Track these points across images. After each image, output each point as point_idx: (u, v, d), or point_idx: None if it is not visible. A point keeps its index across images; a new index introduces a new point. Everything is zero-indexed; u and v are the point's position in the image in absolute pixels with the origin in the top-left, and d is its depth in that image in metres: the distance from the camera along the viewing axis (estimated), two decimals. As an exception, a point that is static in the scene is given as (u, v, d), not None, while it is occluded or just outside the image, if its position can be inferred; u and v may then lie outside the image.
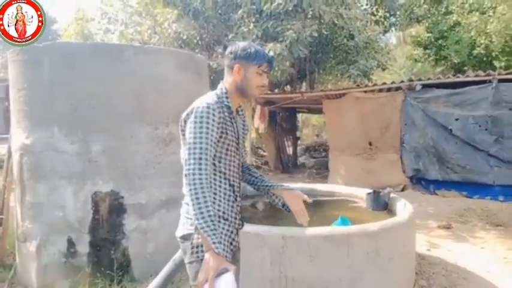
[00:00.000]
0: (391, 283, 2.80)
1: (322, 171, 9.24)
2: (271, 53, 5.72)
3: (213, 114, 1.54)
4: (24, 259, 3.46)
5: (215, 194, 1.59)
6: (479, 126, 6.75)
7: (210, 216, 1.42)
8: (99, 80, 3.17)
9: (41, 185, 3.23)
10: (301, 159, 11.47)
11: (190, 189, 1.44)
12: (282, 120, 10.72)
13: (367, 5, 9.61)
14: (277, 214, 3.38)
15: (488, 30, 10.02)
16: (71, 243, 3.21)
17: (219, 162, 1.60)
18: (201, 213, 1.41)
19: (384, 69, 10.92)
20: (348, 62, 9.40)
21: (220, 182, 1.62)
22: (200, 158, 1.47)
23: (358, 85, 7.99)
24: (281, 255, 2.58)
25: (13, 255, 3.87)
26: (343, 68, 9.59)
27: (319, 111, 10.68)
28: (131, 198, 3.29)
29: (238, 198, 1.71)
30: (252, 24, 6.27)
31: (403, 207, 3.25)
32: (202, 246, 1.50)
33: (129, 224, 3.30)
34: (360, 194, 4.01)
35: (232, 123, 1.64)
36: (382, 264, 2.70)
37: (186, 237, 1.61)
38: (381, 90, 7.77)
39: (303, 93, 8.26)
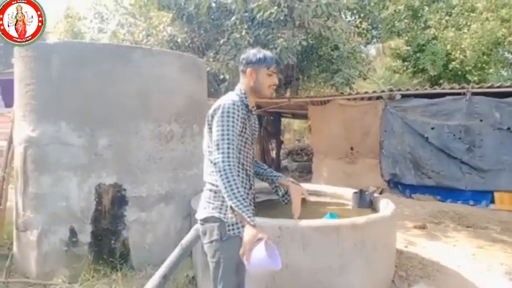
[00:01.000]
0: (374, 271, 3.08)
1: (304, 175, 9.56)
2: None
3: (238, 110, 1.79)
4: (23, 248, 3.56)
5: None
6: (453, 135, 7.21)
7: (241, 195, 1.66)
8: (108, 78, 3.35)
9: (45, 176, 3.35)
10: (283, 163, 11.78)
11: (221, 175, 1.68)
12: (267, 124, 11.01)
13: (351, 17, 10.08)
14: (272, 209, 3.62)
15: (463, 46, 10.66)
16: (73, 233, 3.35)
17: (239, 153, 1.85)
18: (234, 193, 1.66)
19: (364, 79, 11.39)
20: (330, 70, 9.79)
21: (239, 171, 1.85)
22: (228, 148, 1.71)
23: (342, 93, 8.38)
24: (277, 244, 2.80)
25: (8, 245, 3.96)
26: (326, 76, 9.98)
27: (302, 116, 11.04)
28: (133, 191, 3.47)
29: (252, 187, 1.96)
30: (244, 31, 6.53)
31: (386, 205, 3.55)
32: (237, 223, 1.76)
33: (130, 216, 3.47)
34: (345, 194, 4.31)
35: (250, 120, 1.90)
36: (367, 254, 2.98)
37: (207, 220, 1.84)
38: (362, 99, 8.18)
39: (290, 98, 8.58)
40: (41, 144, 3.36)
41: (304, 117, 11.97)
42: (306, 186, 4.91)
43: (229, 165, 1.69)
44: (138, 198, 3.49)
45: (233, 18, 6.80)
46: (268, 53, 1.94)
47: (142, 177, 3.51)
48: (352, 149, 8.04)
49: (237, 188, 1.67)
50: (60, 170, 3.31)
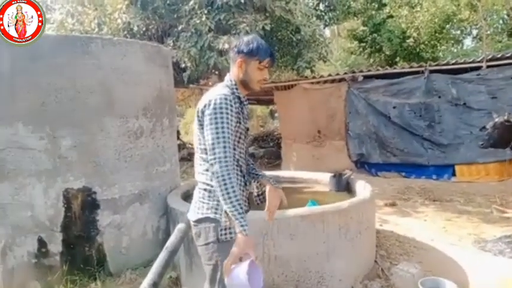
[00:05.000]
0: (359, 254, 3.12)
1: (272, 161, 9.56)
2: (226, 46, 5.81)
3: (231, 105, 1.64)
4: (-14, 265, 3.26)
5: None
6: (414, 113, 7.46)
7: (237, 200, 1.54)
8: (67, 72, 3.07)
9: (3, 185, 3.05)
10: (250, 150, 11.72)
11: (218, 177, 1.55)
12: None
13: (309, -1, 10.06)
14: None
15: (416, 24, 11.01)
16: (41, 243, 3.10)
17: (234, 150, 1.71)
18: (229, 198, 1.53)
19: (324, 62, 11.47)
20: (291, 54, 9.75)
21: (234, 168, 1.73)
22: (224, 147, 1.57)
23: (306, 77, 8.38)
24: (264, 236, 2.75)
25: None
26: (287, 60, 9.93)
27: (266, 102, 10.96)
28: (104, 193, 3.26)
29: (247, 183, 1.84)
30: (204, 16, 6.29)
31: (364, 187, 3.59)
32: (230, 228, 1.65)
33: (103, 220, 3.26)
34: (320, 178, 4.32)
35: (243, 113, 1.76)
36: (351, 238, 2.99)
37: (201, 221, 1.71)
38: (326, 82, 8.24)
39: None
40: (-5, 150, 3.04)
41: (268, 102, 11.92)
42: (281, 173, 4.90)
43: (226, 166, 1.56)
44: (110, 200, 3.29)
45: (191, 2, 6.52)
46: (263, 44, 1.75)
47: (112, 178, 3.30)
48: (319, 132, 8.12)
49: (234, 192, 1.55)
50: (20, 177, 3.02)
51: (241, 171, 1.78)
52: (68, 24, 7.39)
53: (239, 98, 1.76)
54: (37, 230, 3.08)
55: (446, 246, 3.90)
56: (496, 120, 5.34)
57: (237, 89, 1.76)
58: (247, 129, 1.84)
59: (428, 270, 3.18)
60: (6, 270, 3.11)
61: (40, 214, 3.07)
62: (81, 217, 3.17)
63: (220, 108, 1.61)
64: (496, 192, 6.03)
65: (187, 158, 10.35)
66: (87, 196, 3.18)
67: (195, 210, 1.76)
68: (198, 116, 1.71)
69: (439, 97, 7.27)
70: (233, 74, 1.79)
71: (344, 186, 3.98)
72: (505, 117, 5.29)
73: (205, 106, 1.66)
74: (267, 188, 1.89)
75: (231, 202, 1.54)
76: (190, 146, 13.54)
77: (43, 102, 3.01)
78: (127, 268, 3.30)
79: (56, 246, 3.11)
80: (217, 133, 1.59)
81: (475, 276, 3.18)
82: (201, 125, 1.68)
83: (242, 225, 1.53)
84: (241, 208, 1.55)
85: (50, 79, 3.04)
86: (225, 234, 1.68)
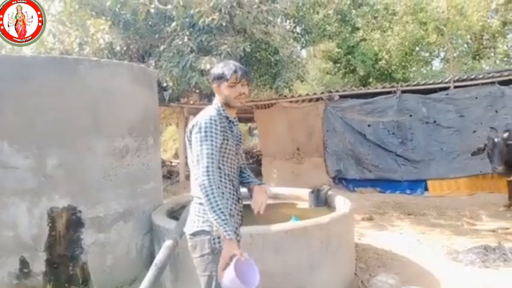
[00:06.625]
0: (340, 266, 3.25)
1: (252, 178, 9.66)
2: (208, 66, 5.96)
3: (216, 125, 1.81)
4: (-36, 287, 3.19)
5: (223, 193, 1.80)
6: (388, 130, 7.80)
7: (220, 209, 1.68)
8: (54, 93, 3.12)
9: (-15, 204, 3.04)
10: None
11: (202, 190, 1.70)
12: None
13: (286, 22, 10.40)
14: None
15: (388, 47, 11.57)
16: (24, 263, 3.07)
17: (223, 165, 1.86)
18: (212, 207, 1.68)
19: (302, 81, 11.83)
20: (270, 74, 10.04)
21: (226, 183, 1.86)
22: (208, 163, 1.73)
23: (285, 96, 8.63)
24: (249, 251, 2.83)
25: None
26: (265, 79, 10.21)
27: (245, 120, 11.12)
28: (89, 212, 3.27)
29: (240, 198, 1.96)
30: (186, 37, 6.43)
31: (343, 202, 3.74)
32: (219, 237, 1.77)
33: (88, 239, 3.26)
34: (301, 194, 4.46)
35: (232, 131, 1.91)
36: (333, 251, 3.12)
37: (196, 234, 1.83)
38: (304, 101, 8.51)
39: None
40: (-21, 169, 3.03)
41: (247, 120, 12.10)
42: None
43: (208, 179, 1.70)
44: (95, 219, 3.30)
45: (173, 24, 6.66)
46: (228, 64, 1.92)
47: (98, 196, 3.32)
48: (298, 149, 8.33)
49: (216, 202, 1.68)
50: (4, 196, 3.01)
51: (233, 185, 1.91)
52: (47, 43, 7.37)
53: (227, 117, 1.91)
54: (20, 250, 3.05)
55: (421, 258, 4.08)
56: (496, 140, 5.19)
57: (223, 110, 1.93)
58: (239, 146, 1.98)
59: (406, 280, 3.33)
60: (-14, 292, 3.06)
61: (23, 234, 3.05)
62: (65, 236, 3.16)
63: (205, 127, 1.78)
64: (466, 205, 6.35)
65: (167, 175, 10.32)
66: (72, 215, 3.19)
67: (191, 223, 1.88)
68: (187, 136, 1.88)
69: (411, 116, 7.64)
70: (217, 98, 1.99)
71: (323, 202, 4.13)
72: (505, 136, 5.12)
73: (193, 126, 1.85)
74: (254, 188, 2.00)
75: (214, 211, 1.67)
76: (169, 163, 13.50)
77: (30, 122, 3.05)
78: (111, 287, 3.29)
79: (39, 266, 3.09)
80: (201, 149, 1.75)
81: (449, 285, 3.36)
82: (190, 144, 1.84)
83: (226, 231, 1.66)
84: (224, 215, 1.68)
85: (37, 99, 3.08)
86: (219, 243, 1.79)
